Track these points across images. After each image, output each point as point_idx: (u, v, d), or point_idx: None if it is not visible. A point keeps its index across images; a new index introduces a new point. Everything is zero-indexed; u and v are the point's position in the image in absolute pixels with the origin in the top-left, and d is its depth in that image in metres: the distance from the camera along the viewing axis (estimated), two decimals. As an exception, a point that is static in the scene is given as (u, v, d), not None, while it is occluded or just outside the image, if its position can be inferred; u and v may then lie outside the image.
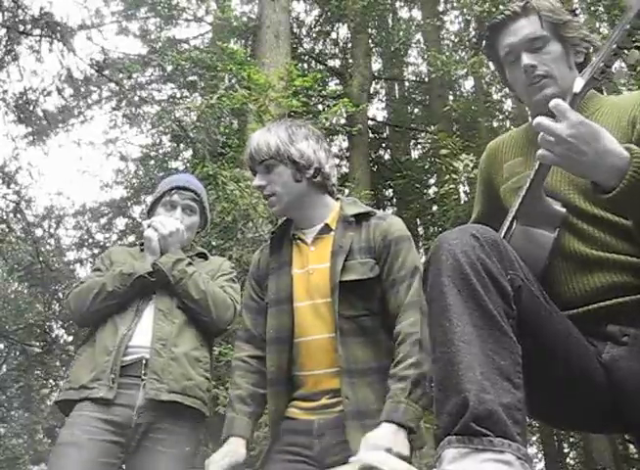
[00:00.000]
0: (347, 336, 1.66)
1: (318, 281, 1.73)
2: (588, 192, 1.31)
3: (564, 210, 1.39)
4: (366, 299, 1.70)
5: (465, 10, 8.80)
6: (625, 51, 1.22)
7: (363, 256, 1.72)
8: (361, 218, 1.79)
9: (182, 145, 8.88)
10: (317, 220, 1.82)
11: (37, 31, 6.01)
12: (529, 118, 1.63)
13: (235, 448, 1.68)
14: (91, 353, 2.11)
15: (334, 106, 6.89)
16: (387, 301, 1.70)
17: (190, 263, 2.20)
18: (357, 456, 1.43)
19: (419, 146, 12.19)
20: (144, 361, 2.06)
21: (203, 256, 2.38)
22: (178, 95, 9.22)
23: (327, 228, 1.80)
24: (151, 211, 2.39)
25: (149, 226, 2.24)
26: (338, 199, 1.88)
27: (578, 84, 1.27)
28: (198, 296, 2.13)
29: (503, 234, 1.44)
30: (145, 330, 2.10)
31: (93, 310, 2.15)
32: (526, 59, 1.46)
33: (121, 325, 2.10)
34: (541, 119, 1.20)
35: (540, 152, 1.23)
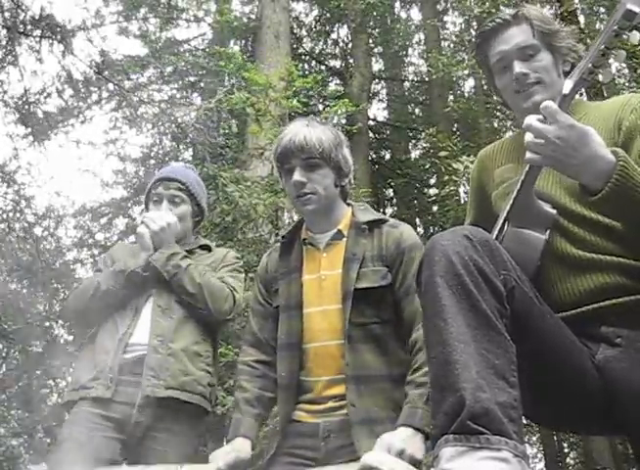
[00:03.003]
0: (356, 343, 1.66)
1: (329, 287, 1.73)
2: (578, 194, 1.33)
3: (554, 211, 1.40)
4: (377, 306, 1.70)
5: (465, 10, 8.81)
6: (613, 51, 1.23)
7: (376, 263, 1.72)
8: (373, 225, 1.79)
9: (182, 146, 8.89)
10: (331, 226, 1.81)
11: (37, 32, 6.01)
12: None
13: (240, 447, 1.69)
14: (91, 354, 2.12)
15: (334, 106, 6.89)
16: (401, 308, 1.70)
17: (185, 257, 2.18)
18: (371, 460, 1.44)
19: (419, 146, 12.19)
20: (146, 359, 2.05)
21: (206, 247, 2.37)
22: (178, 96, 9.23)
23: (340, 234, 1.79)
24: (146, 208, 2.39)
25: (142, 223, 2.23)
26: (349, 204, 1.88)
27: (567, 86, 1.28)
28: (193, 289, 2.12)
29: (495, 236, 1.45)
30: (145, 327, 2.10)
31: (91, 311, 2.16)
32: (518, 67, 1.48)
33: (121, 324, 2.10)
34: (531, 121, 1.22)
35: (528, 154, 1.25)
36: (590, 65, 1.25)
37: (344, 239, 1.78)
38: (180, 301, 2.15)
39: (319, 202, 1.76)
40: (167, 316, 2.12)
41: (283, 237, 1.90)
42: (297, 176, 1.74)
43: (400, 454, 1.43)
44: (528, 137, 1.23)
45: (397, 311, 1.71)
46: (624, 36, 1.20)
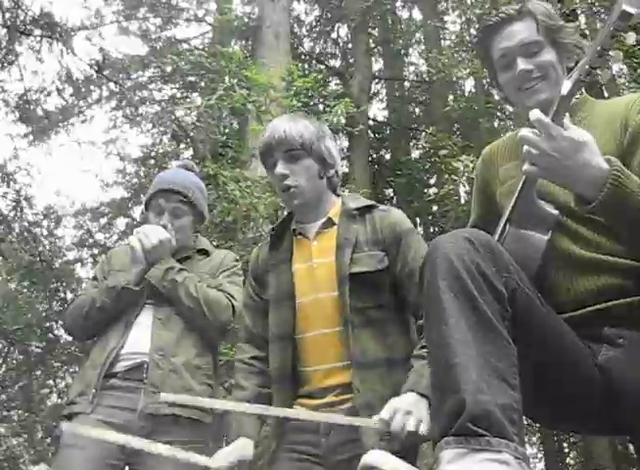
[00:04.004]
0: (356, 328, 1.65)
1: (323, 275, 1.72)
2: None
3: (556, 212, 1.40)
4: (374, 291, 1.69)
5: (465, 9, 8.81)
6: (610, 52, 1.23)
7: (371, 247, 1.72)
8: (364, 212, 1.79)
9: (182, 145, 8.89)
10: (320, 215, 1.81)
11: (37, 31, 6.02)
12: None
13: (243, 447, 1.68)
14: (84, 368, 2.13)
15: (334, 106, 6.89)
16: (406, 291, 1.69)
17: (181, 269, 2.16)
18: (380, 416, 1.45)
19: (419, 146, 12.18)
20: (145, 365, 2.05)
21: (204, 252, 2.34)
22: (178, 95, 9.22)
23: (330, 222, 1.79)
24: (145, 210, 2.36)
25: (135, 235, 2.20)
26: (339, 195, 1.88)
27: (566, 86, 1.28)
28: (191, 303, 2.11)
29: (497, 237, 1.45)
30: (140, 337, 2.10)
31: (87, 327, 2.18)
32: (522, 64, 1.46)
33: (111, 339, 2.10)
34: (525, 133, 1.22)
35: (525, 167, 1.25)
36: (588, 66, 1.25)
37: (335, 226, 1.78)
38: (180, 313, 2.15)
39: (304, 195, 1.76)
40: (168, 329, 2.11)
41: (273, 229, 1.90)
42: (279, 169, 1.75)
43: (407, 414, 1.44)
44: (525, 149, 1.23)
45: (399, 295, 1.71)
46: (621, 37, 1.20)
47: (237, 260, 2.38)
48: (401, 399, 1.49)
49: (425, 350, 1.56)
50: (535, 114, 1.21)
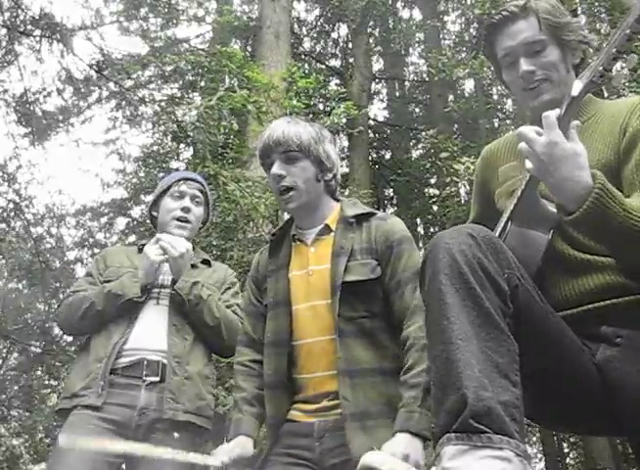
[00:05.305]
0: (347, 337, 1.65)
1: (318, 282, 1.72)
2: None
3: None
4: (367, 300, 1.69)
5: (465, 9, 8.81)
6: (625, 55, 1.22)
7: (365, 256, 1.71)
8: (362, 219, 1.78)
9: (182, 145, 8.88)
10: (318, 221, 1.80)
11: (37, 32, 6.02)
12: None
13: (243, 445, 1.69)
14: (85, 361, 2.12)
15: (333, 109, 6.88)
16: (391, 303, 1.69)
17: (203, 285, 2.19)
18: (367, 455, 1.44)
19: (419, 146, 12.18)
20: (145, 362, 2.06)
21: (206, 262, 2.37)
22: (178, 95, 9.21)
23: (327, 229, 1.79)
24: (156, 204, 2.37)
25: (157, 243, 2.18)
26: (338, 200, 1.88)
27: (577, 87, 1.28)
28: (212, 322, 2.14)
29: (498, 234, 1.44)
30: (141, 334, 2.10)
31: (82, 325, 2.18)
32: (525, 65, 1.45)
33: (115, 333, 2.11)
34: (524, 130, 1.23)
35: (526, 164, 1.26)
36: (601, 68, 1.24)
37: (332, 233, 1.77)
38: (191, 323, 2.16)
39: (300, 198, 1.76)
40: (182, 337, 2.13)
41: (273, 235, 1.90)
42: (275, 169, 1.75)
43: (406, 459, 1.42)
44: (522, 145, 1.24)
45: (388, 305, 1.70)
46: (637, 40, 1.19)
47: (236, 277, 2.43)
48: (396, 441, 1.47)
49: (410, 373, 1.56)
50: (546, 112, 1.21)
